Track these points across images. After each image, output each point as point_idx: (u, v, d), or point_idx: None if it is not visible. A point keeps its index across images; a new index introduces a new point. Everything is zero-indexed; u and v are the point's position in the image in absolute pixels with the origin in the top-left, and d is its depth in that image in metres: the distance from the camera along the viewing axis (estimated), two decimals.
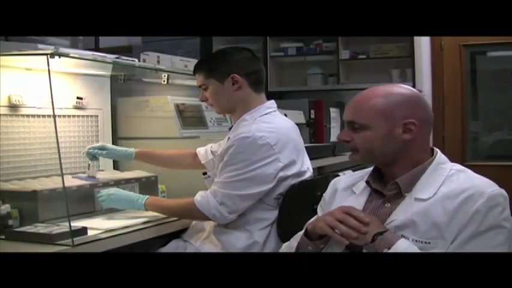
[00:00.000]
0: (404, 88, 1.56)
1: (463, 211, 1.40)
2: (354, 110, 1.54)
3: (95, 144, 2.45)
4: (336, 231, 1.46)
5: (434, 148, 1.59)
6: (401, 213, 1.47)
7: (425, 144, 1.56)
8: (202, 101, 2.23)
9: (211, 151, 2.35)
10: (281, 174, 2.01)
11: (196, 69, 2.19)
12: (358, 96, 1.57)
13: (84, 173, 2.38)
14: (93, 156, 2.40)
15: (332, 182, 1.76)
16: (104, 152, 2.42)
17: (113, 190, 2.15)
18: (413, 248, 1.40)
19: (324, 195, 1.75)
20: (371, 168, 1.65)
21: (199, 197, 2.00)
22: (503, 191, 1.44)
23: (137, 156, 2.47)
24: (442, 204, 1.43)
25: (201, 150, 2.41)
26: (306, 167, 2.17)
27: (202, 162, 2.34)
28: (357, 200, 1.60)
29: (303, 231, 1.59)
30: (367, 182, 1.61)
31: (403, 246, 1.40)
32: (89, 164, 2.37)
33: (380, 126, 1.50)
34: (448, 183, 1.48)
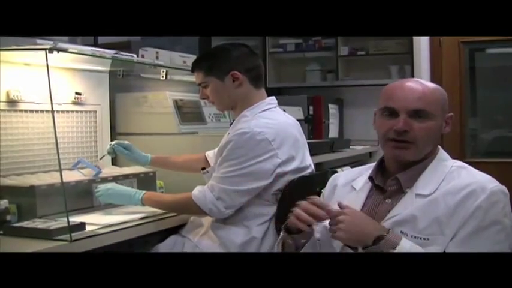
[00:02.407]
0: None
1: (464, 207, 1.41)
2: (420, 98, 1.50)
3: (123, 141, 2.46)
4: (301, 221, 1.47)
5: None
6: (402, 209, 1.47)
7: None
8: (203, 98, 2.23)
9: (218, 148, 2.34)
10: (279, 170, 2.01)
11: (195, 67, 2.18)
12: (412, 85, 1.54)
13: (92, 162, 2.39)
14: (112, 151, 2.42)
15: (331, 178, 1.75)
16: (127, 152, 2.44)
17: (110, 185, 2.15)
18: (416, 248, 1.39)
19: (323, 191, 1.75)
20: (372, 164, 1.65)
21: (196, 191, 2.01)
22: (504, 188, 1.45)
23: (152, 162, 2.49)
24: (443, 200, 1.43)
25: (210, 153, 2.41)
26: (308, 163, 2.17)
27: (212, 165, 2.33)
28: (357, 196, 1.60)
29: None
30: (370, 177, 1.61)
31: (407, 246, 1.39)
32: (103, 156, 2.38)
33: (439, 117, 1.53)
34: (449, 179, 1.48)
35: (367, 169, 1.66)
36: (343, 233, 1.41)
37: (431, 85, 1.57)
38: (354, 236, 1.42)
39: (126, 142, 2.46)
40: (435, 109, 1.51)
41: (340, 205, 1.47)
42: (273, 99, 2.18)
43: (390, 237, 1.40)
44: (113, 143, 2.46)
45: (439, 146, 1.59)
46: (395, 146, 1.51)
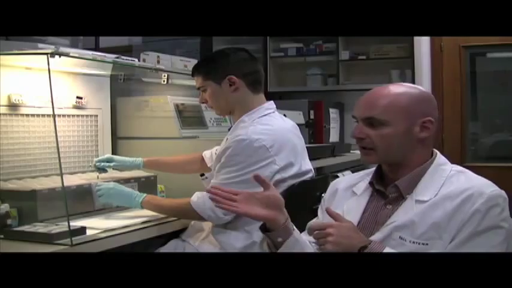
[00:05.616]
0: (417, 87, 1.58)
1: (462, 211, 1.41)
2: (371, 106, 1.52)
3: (102, 157, 2.41)
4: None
5: (434, 149, 1.59)
6: (402, 214, 1.47)
7: (433, 144, 1.57)
8: (202, 103, 2.23)
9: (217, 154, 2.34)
10: (278, 176, 2.01)
11: (194, 71, 2.20)
12: (372, 93, 1.56)
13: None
14: (101, 169, 2.37)
15: (332, 182, 1.75)
16: (112, 164, 2.39)
17: (112, 184, 2.15)
18: None
19: (323, 195, 1.75)
20: (372, 169, 1.65)
21: (195, 197, 2.01)
22: (502, 192, 1.45)
23: (145, 165, 2.47)
24: (442, 205, 1.43)
25: (207, 154, 2.41)
26: (309, 168, 2.17)
27: (209, 165, 2.33)
28: (358, 201, 1.60)
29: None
30: (370, 183, 1.61)
31: None
32: (97, 176, 2.34)
33: (400, 123, 1.50)
34: (448, 184, 1.48)
35: (368, 174, 1.66)
36: (331, 245, 1.41)
37: (399, 90, 1.54)
38: (342, 247, 1.41)
39: (105, 156, 2.41)
40: (390, 116, 1.49)
41: (329, 212, 1.49)
42: (271, 104, 2.19)
43: (372, 247, 1.41)
44: (94, 162, 2.37)
45: (437, 151, 1.58)
46: (360, 151, 1.56)
